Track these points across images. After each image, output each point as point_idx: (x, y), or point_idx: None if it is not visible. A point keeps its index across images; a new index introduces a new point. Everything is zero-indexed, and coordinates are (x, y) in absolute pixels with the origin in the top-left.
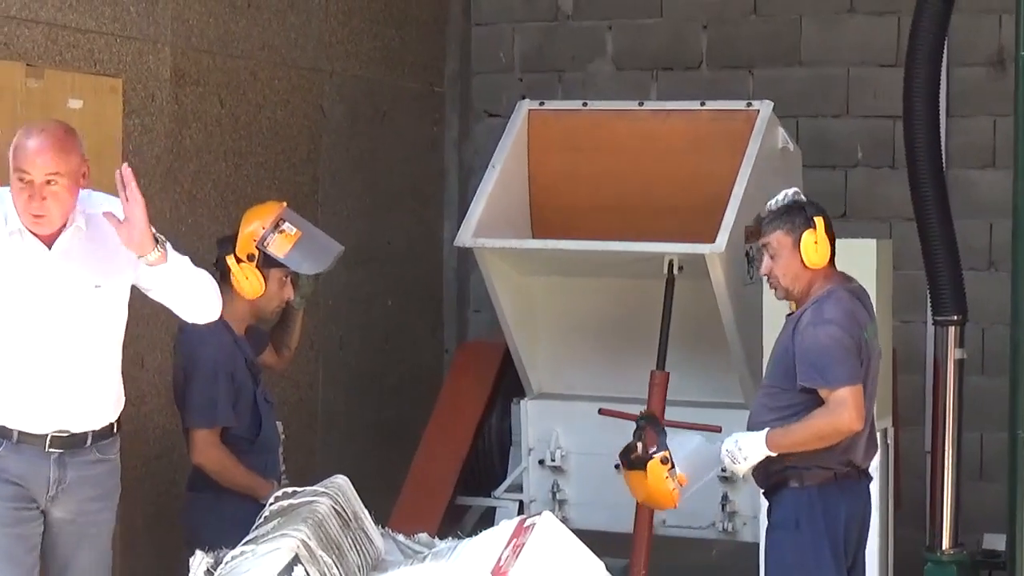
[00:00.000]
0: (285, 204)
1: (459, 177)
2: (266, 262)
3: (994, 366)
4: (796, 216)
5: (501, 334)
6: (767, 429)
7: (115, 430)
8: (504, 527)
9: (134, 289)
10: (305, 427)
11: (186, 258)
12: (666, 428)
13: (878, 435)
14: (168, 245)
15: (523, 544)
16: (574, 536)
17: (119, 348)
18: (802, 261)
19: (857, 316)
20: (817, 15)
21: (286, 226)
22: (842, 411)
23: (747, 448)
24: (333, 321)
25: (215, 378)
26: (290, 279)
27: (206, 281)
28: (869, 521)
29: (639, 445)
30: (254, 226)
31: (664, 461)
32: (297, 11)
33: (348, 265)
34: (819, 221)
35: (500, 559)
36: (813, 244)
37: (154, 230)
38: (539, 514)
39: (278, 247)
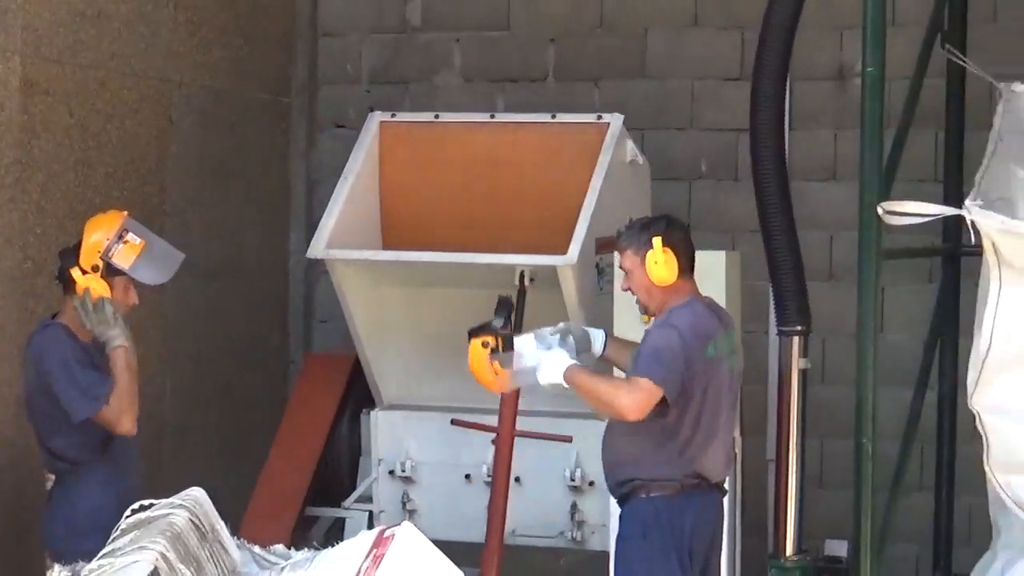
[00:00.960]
0: (126, 213)
1: (306, 188)
2: (110, 271)
3: (834, 375)
4: (643, 235)
5: (347, 345)
6: (574, 362)
7: None
8: (364, 537)
9: None
10: (153, 440)
11: None
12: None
13: None
14: None
15: (383, 555)
16: (434, 546)
17: None
18: (649, 279)
19: (704, 328)
20: (662, 29)
21: (130, 236)
22: (630, 393)
23: (547, 365)
24: (181, 333)
25: (73, 369)
26: (132, 289)
27: None
28: (721, 532)
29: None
30: (97, 236)
31: (484, 345)
32: (146, 21)
33: (195, 276)
34: (656, 241)
35: (360, 570)
36: (653, 264)
37: None
38: (399, 524)
39: (123, 258)
